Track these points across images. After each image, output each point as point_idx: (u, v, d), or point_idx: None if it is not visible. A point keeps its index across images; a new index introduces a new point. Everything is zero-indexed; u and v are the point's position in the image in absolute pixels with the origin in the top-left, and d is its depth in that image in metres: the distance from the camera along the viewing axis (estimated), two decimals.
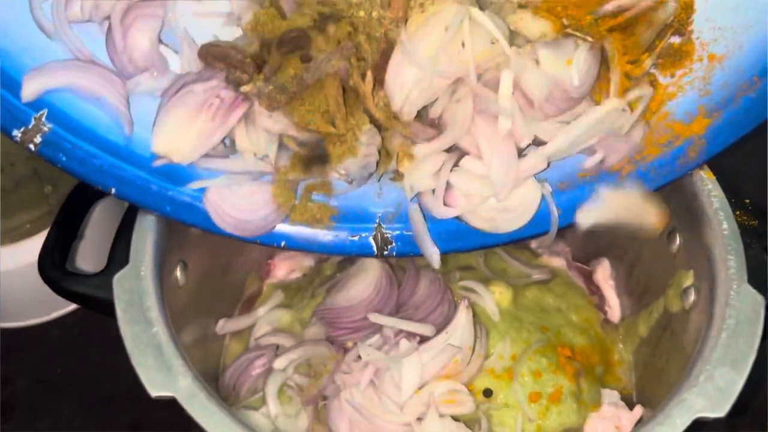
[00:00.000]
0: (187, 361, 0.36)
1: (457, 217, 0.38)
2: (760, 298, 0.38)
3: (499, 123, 0.34)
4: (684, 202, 0.42)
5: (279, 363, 0.45)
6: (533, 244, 0.52)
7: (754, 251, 0.39)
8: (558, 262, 0.52)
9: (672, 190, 0.41)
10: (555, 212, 0.39)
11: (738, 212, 0.41)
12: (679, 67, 0.38)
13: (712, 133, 0.38)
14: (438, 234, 0.40)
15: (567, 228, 0.40)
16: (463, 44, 0.32)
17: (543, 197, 0.38)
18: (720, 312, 0.38)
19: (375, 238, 0.40)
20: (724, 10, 0.37)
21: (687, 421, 0.35)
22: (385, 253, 0.40)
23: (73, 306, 0.55)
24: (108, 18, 0.37)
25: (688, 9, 0.37)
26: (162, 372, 0.35)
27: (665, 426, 0.35)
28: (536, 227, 0.39)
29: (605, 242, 0.51)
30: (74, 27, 0.37)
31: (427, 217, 0.39)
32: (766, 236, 0.40)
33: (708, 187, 0.41)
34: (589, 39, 0.34)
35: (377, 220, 0.40)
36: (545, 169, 0.37)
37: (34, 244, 0.50)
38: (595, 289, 0.51)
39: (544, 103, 0.34)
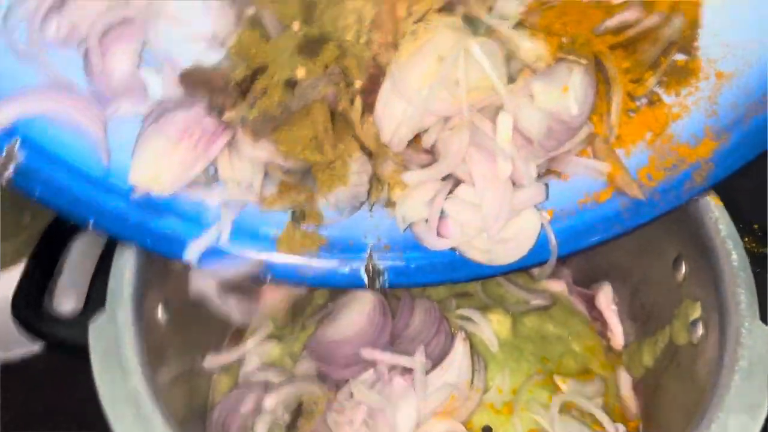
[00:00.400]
0: (167, 414, 0.35)
1: (452, 248, 0.37)
2: None
3: (498, 167, 0.33)
4: (689, 229, 0.42)
5: (269, 402, 0.44)
6: (534, 271, 0.51)
7: (763, 280, 0.38)
8: (558, 287, 0.52)
9: (677, 215, 0.40)
10: (554, 241, 0.38)
11: (747, 238, 0.40)
12: (685, 86, 0.38)
13: (719, 157, 0.37)
14: (432, 265, 0.39)
15: (569, 256, 0.39)
16: (458, 82, 0.31)
17: (542, 226, 0.37)
18: (731, 351, 0.37)
19: (366, 269, 0.39)
20: (733, 25, 0.36)
21: None
22: (377, 285, 0.39)
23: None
24: (84, 42, 0.36)
25: (694, 25, 0.36)
26: (140, 427, 0.34)
27: None
28: (535, 256, 0.38)
29: (607, 265, 0.51)
30: (49, 49, 0.35)
31: (421, 248, 0.38)
32: None
33: (715, 214, 0.41)
34: (583, 62, 0.33)
35: (368, 251, 0.39)
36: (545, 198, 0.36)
37: (12, 275, 0.50)
38: (597, 315, 0.51)
39: (544, 140, 0.34)
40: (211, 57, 0.36)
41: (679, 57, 0.37)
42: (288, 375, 0.46)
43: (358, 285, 0.39)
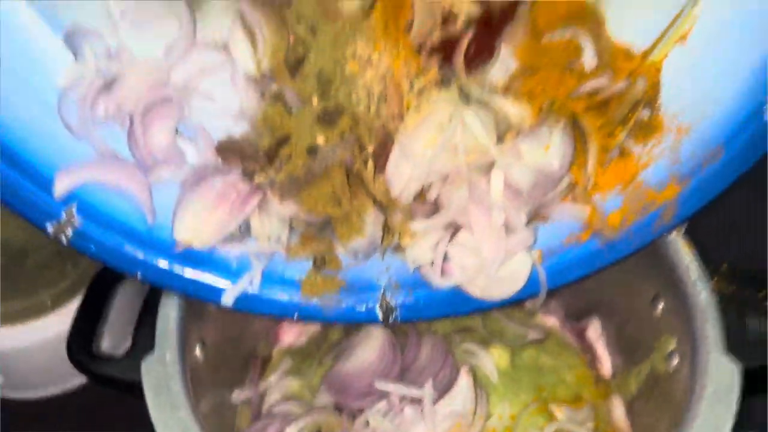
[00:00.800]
0: None
1: (455, 286, 0.41)
2: (735, 367, 0.40)
3: (492, 217, 0.37)
4: (665, 271, 0.45)
5: (290, 430, 0.46)
6: (527, 304, 0.55)
7: (731, 318, 0.42)
8: (552, 321, 0.55)
9: (655, 260, 0.45)
10: (543, 277, 0.42)
11: (716, 278, 0.43)
12: (651, 138, 0.41)
13: (682, 199, 0.41)
14: (438, 300, 0.42)
15: (557, 289, 0.43)
16: (457, 146, 0.35)
17: (532, 264, 0.41)
18: (700, 380, 0.40)
19: (381, 306, 0.43)
20: (690, 84, 0.40)
21: None
22: (390, 320, 0.43)
23: None
24: (129, 117, 0.40)
25: (655, 87, 0.40)
26: None
27: None
28: (528, 290, 0.42)
29: (595, 302, 0.54)
30: (98, 127, 0.40)
31: (426, 284, 0.42)
32: (745, 303, 0.43)
33: (687, 259, 0.44)
34: (562, 122, 0.38)
35: (382, 290, 0.43)
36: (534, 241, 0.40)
37: (56, 319, 0.54)
38: (587, 347, 0.53)
39: (531, 191, 0.38)
40: (239, 129, 0.40)
41: (645, 114, 0.41)
42: (307, 406, 0.49)
43: (374, 320, 0.43)
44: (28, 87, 0.38)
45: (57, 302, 0.54)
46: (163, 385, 0.39)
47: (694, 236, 0.45)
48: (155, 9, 0.38)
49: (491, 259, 0.39)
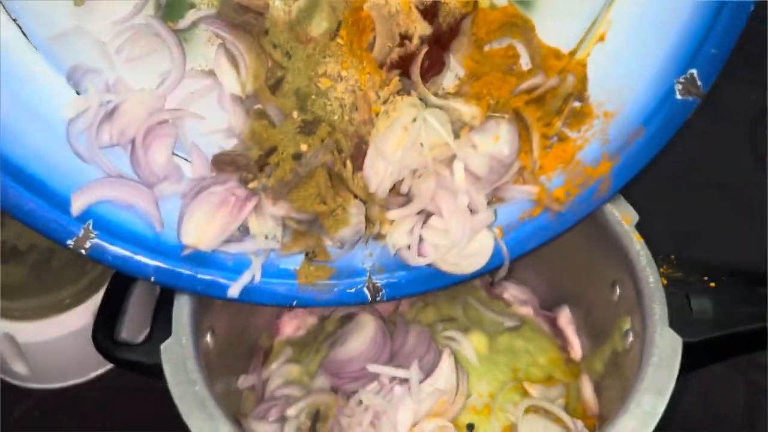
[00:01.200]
0: (224, 412, 0.43)
1: (430, 264, 0.46)
2: (678, 339, 0.45)
3: (458, 200, 0.42)
4: (620, 260, 0.50)
5: (292, 411, 0.51)
6: (505, 295, 0.60)
7: (676, 299, 0.46)
8: (526, 311, 0.59)
9: (611, 251, 0.50)
10: (505, 250, 0.47)
11: (663, 267, 0.48)
12: (583, 124, 0.45)
13: (615, 173, 0.45)
14: (417, 278, 0.47)
15: (517, 259, 0.48)
16: (422, 144, 0.41)
17: (495, 240, 0.46)
18: (648, 350, 0.44)
19: (368, 288, 0.47)
20: (611, 76, 0.44)
21: None
22: (378, 299, 0.47)
23: (108, 366, 0.62)
24: (131, 141, 0.44)
25: (583, 80, 0.44)
26: (207, 422, 0.43)
27: None
28: (493, 262, 0.47)
29: (565, 292, 0.59)
30: (104, 151, 0.44)
31: (406, 265, 0.47)
32: (686, 286, 0.47)
33: (637, 247, 0.49)
34: (506, 116, 0.42)
35: (368, 273, 0.47)
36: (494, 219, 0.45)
37: (75, 315, 0.59)
38: (558, 333, 0.57)
39: (488, 176, 0.43)
40: (228, 143, 0.44)
41: (576, 104, 0.45)
42: (306, 390, 0.53)
43: (363, 301, 0.47)
44: (39, 120, 0.42)
45: (79, 299, 0.58)
46: (180, 364, 0.43)
47: (644, 235, 0.50)
48: (148, 44, 0.42)
49: (459, 238, 0.44)
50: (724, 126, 0.77)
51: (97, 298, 0.58)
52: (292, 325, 0.59)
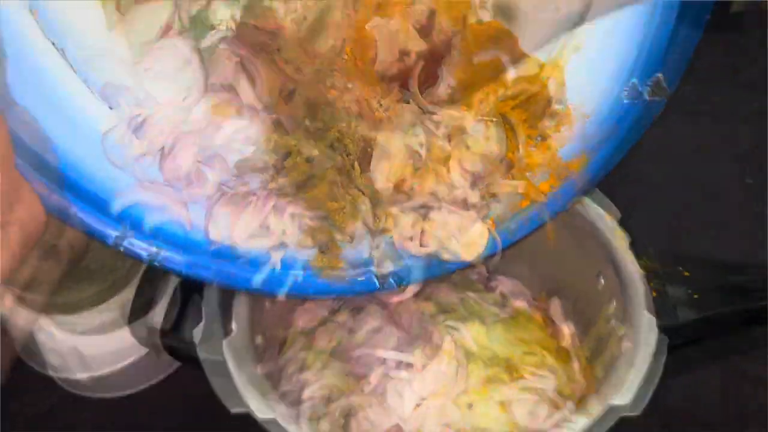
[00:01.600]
0: (276, 395, 0.48)
1: (431, 254, 0.49)
2: (653, 320, 0.48)
3: (454, 195, 0.46)
4: (605, 254, 0.53)
5: (307, 393, 0.55)
6: (501, 288, 0.63)
7: (654, 286, 0.50)
8: (520, 303, 0.61)
9: (596, 244, 0.53)
10: (498, 239, 0.49)
11: (643, 259, 0.51)
12: (564, 125, 0.48)
13: (591, 167, 0.49)
14: (420, 267, 0.50)
15: (509, 247, 0.52)
16: (421, 146, 0.45)
17: (488, 231, 0.50)
18: (628, 332, 0.48)
19: (377, 276, 0.50)
20: (587, 81, 0.47)
21: (602, 411, 0.45)
22: (385, 286, 0.50)
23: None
24: (160, 150, 0.48)
25: (562, 86, 0.47)
26: (264, 402, 0.47)
27: (584, 415, 0.45)
28: (487, 251, 0.50)
29: (555, 285, 0.62)
30: (137, 161, 0.47)
31: (411, 256, 0.50)
32: (664, 275, 0.51)
33: (619, 241, 0.52)
34: (495, 120, 0.46)
35: (375, 263, 0.49)
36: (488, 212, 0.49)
37: (108, 308, 0.61)
38: (550, 322, 0.60)
39: (480, 173, 0.46)
40: (247, 150, 0.46)
41: (557, 107, 0.47)
42: (319, 374, 0.56)
43: (372, 288, 0.50)
44: (79, 134, 0.46)
45: (110, 292, 0.60)
46: (240, 354, 0.48)
47: (628, 230, 0.53)
48: (174, 62, 0.46)
49: (456, 228, 0.47)
50: (707, 127, 0.81)
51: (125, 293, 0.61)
52: (305, 317, 0.62)
